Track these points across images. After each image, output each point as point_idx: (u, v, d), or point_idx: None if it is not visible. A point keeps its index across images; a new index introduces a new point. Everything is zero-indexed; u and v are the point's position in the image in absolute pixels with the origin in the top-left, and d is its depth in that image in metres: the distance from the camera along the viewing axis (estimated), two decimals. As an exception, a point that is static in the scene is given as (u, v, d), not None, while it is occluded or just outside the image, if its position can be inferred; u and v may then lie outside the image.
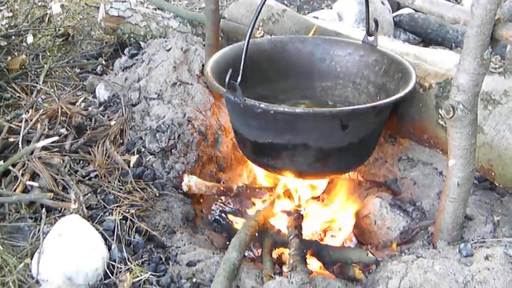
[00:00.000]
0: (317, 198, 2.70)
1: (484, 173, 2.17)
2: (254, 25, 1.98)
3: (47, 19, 4.04)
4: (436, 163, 2.54)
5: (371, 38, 2.54)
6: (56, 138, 2.52)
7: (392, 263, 1.93)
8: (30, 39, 3.77)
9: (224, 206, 2.72)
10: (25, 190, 2.32)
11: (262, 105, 1.99)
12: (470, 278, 1.71)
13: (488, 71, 2.18)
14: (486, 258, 1.75)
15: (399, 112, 2.41)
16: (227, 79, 1.95)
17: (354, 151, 2.24)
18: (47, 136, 2.58)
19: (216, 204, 2.71)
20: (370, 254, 2.10)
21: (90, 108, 2.95)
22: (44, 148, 2.49)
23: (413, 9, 3.67)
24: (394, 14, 4.11)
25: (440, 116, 2.23)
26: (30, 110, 2.82)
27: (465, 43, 1.66)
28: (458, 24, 1.75)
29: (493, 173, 2.10)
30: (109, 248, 2.06)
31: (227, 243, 2.33)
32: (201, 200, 2.72)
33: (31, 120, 2.66)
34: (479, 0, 1.56)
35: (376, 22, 2.50)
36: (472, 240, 1.96)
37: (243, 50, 1.97)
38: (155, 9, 3.83)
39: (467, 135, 1.78)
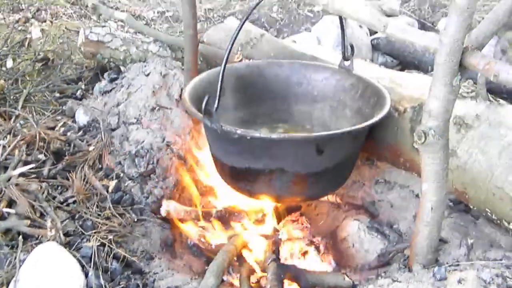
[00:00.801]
0: (295, 221, 2.71)
1: (458, 196, 2.20)
2: (230, 51, 2.01)
3: (27, 43, 4.05)
4: (413, 185, 2.57)
5: (347, 63, 2.58)
6: (32, 165, 2.52)
7: (368, 287, 1.94)
8: (9, 63, 3.77)
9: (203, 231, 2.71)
10: (2, 217, 2.30)
11: (239, 131, 2.01)
12: (444, 301, 1.73)
13: (461, 96, 2.22)
14: (459, 281, 1.77)
15: (375, 135, 2.44)
16: (203, 105, 1.96)
17: (331, 175, 2.26)
18: (25, 162, 2.57)
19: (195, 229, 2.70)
20: (347, 278, 2.11)
21: (69, 133, 2.94)
22: (21, 174, 2.49)
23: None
24: (372, 37, 4.16)
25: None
26: (8, 136, 2.80)
27: (435, 70, 1.69)
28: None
29: (467, 196, 2.13)
30: (86, 275, 2.05)
31: (206, 267, 2.33)
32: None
33: (9, 146, 2.65)
34: (447, 29, 1.60)
35: (352, 47, 2.54)
36: (447, 263, 1.98)
37: (220, 76, 1.99)
38: (135, 33, 3.85)
39: (439, 159, 1.81)
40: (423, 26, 4.56)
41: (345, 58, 2.57)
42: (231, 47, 2.00)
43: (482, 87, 2.19)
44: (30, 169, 2.51)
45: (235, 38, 2.01)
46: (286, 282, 2.21)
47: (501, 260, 1.93)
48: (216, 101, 1.98)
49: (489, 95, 2.21)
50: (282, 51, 3.02)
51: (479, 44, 1.68)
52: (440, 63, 1.66)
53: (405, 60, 3.97)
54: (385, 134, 2.42)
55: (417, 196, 2.52)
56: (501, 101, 2.22)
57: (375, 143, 2.48)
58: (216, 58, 3.18)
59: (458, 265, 1.95)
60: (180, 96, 3.05)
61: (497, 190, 1.99)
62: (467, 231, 2.21)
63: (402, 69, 3.91)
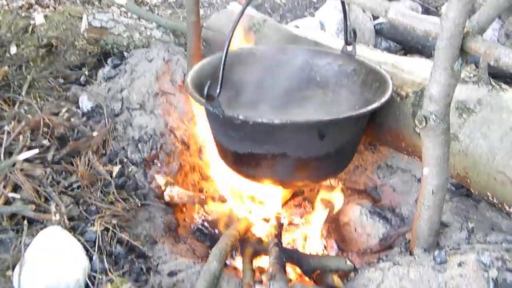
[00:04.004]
0: (298, 205, 2.73)
1: (460, 180, 2.21)
2: (232, 36, 2.02)
3: (30, 29, 4.05)
4: (415, 170, 2.58)
5: (349, 48, 2.58)
6: (37, 151, 2.53)
7: (369, 270, 1.96)
8: (13, 49, 3.78)
9: (206, 215, 2.74)
10: (7, 202, 2.33)
11: (241, 116, 2.01)
12: (444, 284, 1.74)
13: (463, 80, 2.23)
14: (459, 264, 1.79)
15: (377, 120, 2.45)
16: (205, 91, 1.97)
17: (333, 159, 2.27)
18: (29, 148, 2.59)
19: (198, 213, 2.73)
20: (348, 262, 2.13)
21: (73, 119, 2.96)
22: (26, 159, 2.51)
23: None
24: (375, 22, 4.14)
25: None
26: (13, 122, 2.82)
27: (435, 55, 1.69)
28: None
29: (468, 180, 2.14)
30: (91, 259, 2.08)
31: (209, 252, 2.35)
32: (184, 209, 2.74)
33: (14, 131, 2.67)
34: (448, 13, 1.60)
35: (354, 32, 2.53)
36: (448, 246, 2.00)
37: (222, 62, 2.00)
38: (138, 19, 3.85)
39: (440, 144, 1.82)
40: (426, 10, 4.54)
41: (347, 43, 2.57)
42: (233, 33, 2.01)
43: (484, 71, 2.19)
44: (35, 154, 2.53)
45: (237, 23, 2.01)
46: (288, 266, 2.23)
47: (501, 243, 1.95)
48: (219, 86, 1.99)
49: (491, 79, 2.21)
50: (284, 36, 3.01)
51: (480, 28, 1.68)
52: (441, 47, 1.66)
53: (408, 45, 3.96)
54: (387, 119, 2.42)
55: (419, 180, 2.53)
56: (503, 85, 2.23)
57: (377, 128, 2.48)
58: (219, 44, 3.17)
59: (458, 248, 1.96)
60: (183, 81, 3.06)
61: (499, 174, 2.00)
62: (468, 215, 2.23)
63: (405, 54, 3.91)
